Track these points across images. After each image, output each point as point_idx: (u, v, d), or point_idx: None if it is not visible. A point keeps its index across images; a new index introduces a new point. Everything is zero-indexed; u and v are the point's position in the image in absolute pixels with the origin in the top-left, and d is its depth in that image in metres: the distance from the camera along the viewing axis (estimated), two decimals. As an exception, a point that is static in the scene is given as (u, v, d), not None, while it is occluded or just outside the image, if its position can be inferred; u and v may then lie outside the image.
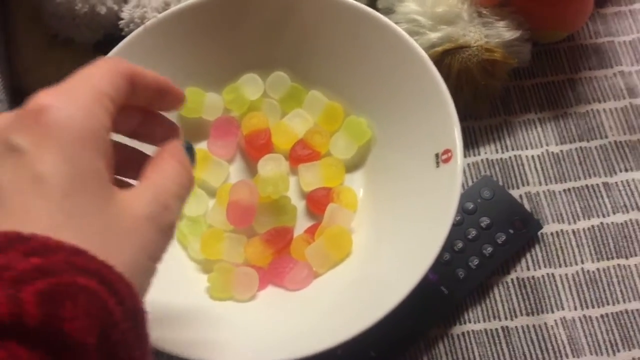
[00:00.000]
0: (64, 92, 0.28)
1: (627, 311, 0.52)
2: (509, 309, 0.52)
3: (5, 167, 0.26)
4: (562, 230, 0.55)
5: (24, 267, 0.22)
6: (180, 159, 0.32)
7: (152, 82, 0.33)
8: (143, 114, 0.36)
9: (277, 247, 0.50)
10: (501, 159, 0.58)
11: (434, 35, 0.54)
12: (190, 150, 0.35)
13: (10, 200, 0.25)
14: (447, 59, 0.54)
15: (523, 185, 0.56)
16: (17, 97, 0.60)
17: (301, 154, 0.54)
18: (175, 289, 0.49)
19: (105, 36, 0.59)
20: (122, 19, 0.56)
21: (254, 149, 0.55)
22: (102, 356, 0.23)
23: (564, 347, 0.51)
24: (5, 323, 0.21)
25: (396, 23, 0.52)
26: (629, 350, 0.50)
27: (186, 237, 0.52)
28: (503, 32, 0.55)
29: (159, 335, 0.43)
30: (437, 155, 0.48)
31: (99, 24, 0.57)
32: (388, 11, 0.58)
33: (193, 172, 0.34)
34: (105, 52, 0.51)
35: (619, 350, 0.50)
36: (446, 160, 0.47)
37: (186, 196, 0.32)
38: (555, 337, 0.51)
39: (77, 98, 0.28)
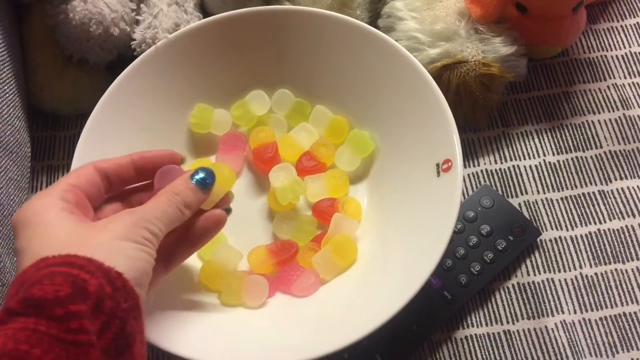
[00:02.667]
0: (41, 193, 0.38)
1: (625, 314, 0.53)
2: (510, 313, 0.54)
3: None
4: (560, 237, 0.56)
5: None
6: (176, 190, 0.41)
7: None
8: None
9: (280, 259, 0.52)
10: (500, 169, 0.59)
11: (433, 52, 0.57)
12: (204, 181, 0.42)
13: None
14: (446, 74, 0.56)
15: (522, 194, 0.58)
16: (33, 115, 0.62)
17: (307, 166, 0.56)
18: (187, 295, 0.50)
19: (119, 56, 0.62)
20: (134, 40, 0.58)
21: (262, 161, 0.57)
22: (95, 317, 0.31)
23: (565, 350, 0.52)
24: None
25: (397, 40, 0.55)
26: (628, 351, 0.52)
27: None
28: (499, 47, 0.57)
29: (171, 338, 0.44)
30: (437, 165, 0.50)
31: (113, 45, 0.60)
32: (389, 29, 0.60)
33: (199, 196, 0.42)
34: (119, 71, 0.53)
35: (617, 352, 0.52)
36: (447, 170, 0.49)
37: (175, 218, 0.40)
38: (556, 340, 0.52)
39: (46, 194, 0.38)
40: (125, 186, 0.44)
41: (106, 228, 0.36)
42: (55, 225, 0.36)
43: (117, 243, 0.35)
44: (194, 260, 0.53)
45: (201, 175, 0.42)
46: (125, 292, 0.33)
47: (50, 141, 0.63)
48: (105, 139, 0.53)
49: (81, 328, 0.30)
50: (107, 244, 0.35)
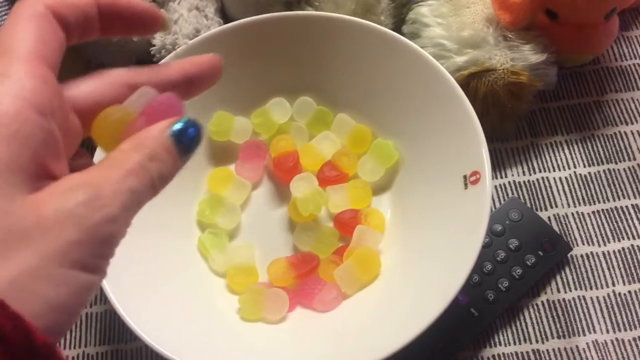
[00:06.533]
0: None
1: (660, 335, 0.51)
2: (539, 331, 0.51)
3: None
4: (592, 252, 0.54)
5: None
6: (157, 143, 0.25)
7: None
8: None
9: (300, 272, 0.51)
10: (528, 180, 0.57)
11: (460, 59, 0.55)
12: (186, 133, 0.25)
13: None
14: (473, 82, 0.54)
15: (551, 207, 0.56)
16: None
17: (329, 176, 0.55)
18: (205, 310, 0.49)
19: (137, 62, 0.60)
20: (154, 46, 0.57)
21: (283, 171, 0.55)
22: None
23: (597, 371, 0.50)
24: None
25: (422, 47, 0.53)
26: (664, 374, 0.50)
27: (208, 250, 0.52)
28: (529, 55, 0.55)
29: (189, 354, 0.43)
30: (465, 177, 0.48)
31: (131, 51, 0.59)
32: (414, 36, 0.59)
33: (181, 162, 0.26)
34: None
35: (653, 374, 0.50)
36: (474, 182, 0.47)
37: (148, 194, 0.25)
38: (588, 361, 0.50)
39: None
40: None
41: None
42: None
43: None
44: (211, 276, 0.52)
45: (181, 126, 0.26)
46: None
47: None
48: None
49: None
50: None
